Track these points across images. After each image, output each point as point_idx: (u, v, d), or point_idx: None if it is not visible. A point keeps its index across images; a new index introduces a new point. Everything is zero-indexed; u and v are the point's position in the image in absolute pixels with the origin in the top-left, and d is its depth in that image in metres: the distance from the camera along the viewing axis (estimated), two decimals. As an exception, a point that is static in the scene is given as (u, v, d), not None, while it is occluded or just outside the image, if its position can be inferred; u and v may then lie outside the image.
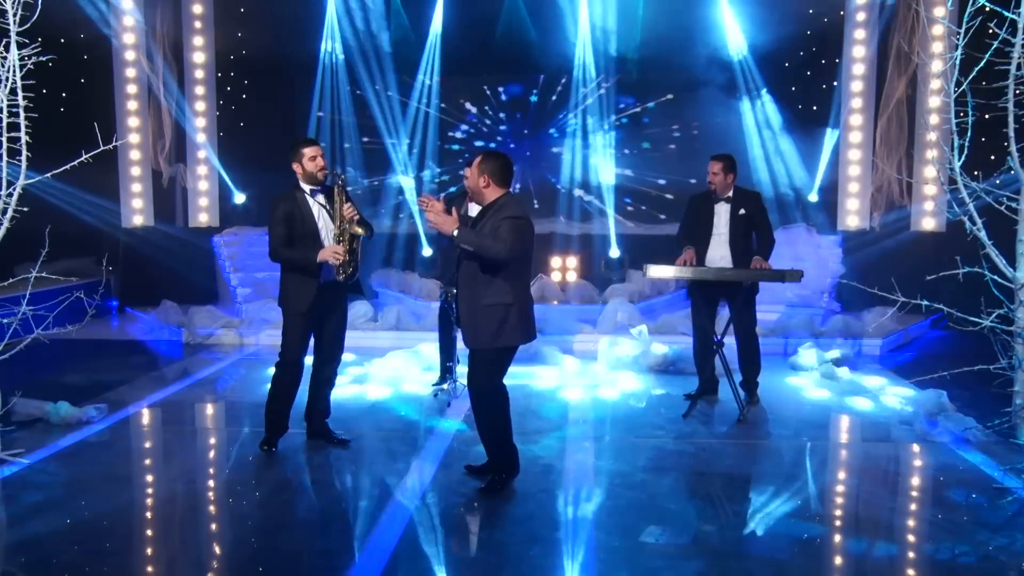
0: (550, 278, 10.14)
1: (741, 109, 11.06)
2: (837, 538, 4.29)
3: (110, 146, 5.24)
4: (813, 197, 10.89)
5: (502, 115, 11.90)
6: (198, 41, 11.11)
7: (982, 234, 4.97)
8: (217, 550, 4.21)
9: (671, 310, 9.43)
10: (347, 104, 11.55)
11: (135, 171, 10.98)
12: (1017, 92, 4.83)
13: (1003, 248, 5.01)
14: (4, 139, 5.06)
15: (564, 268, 10.47)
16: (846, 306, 9.48)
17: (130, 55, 10.77)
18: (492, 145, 11.75)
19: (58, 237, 5.73)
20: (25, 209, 5.19)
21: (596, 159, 11.58)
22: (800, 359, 7.72)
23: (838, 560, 4.12)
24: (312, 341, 5.38)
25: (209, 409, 6.74)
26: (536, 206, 11.45)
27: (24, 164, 5.09)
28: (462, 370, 6.72)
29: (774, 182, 10.89)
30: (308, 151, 5.20)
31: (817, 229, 10.20)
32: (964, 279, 4.90)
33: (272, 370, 5.44)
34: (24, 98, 5.03)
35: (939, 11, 9.59)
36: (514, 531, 4.27)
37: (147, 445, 6.01)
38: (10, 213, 5.13)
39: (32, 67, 5.04)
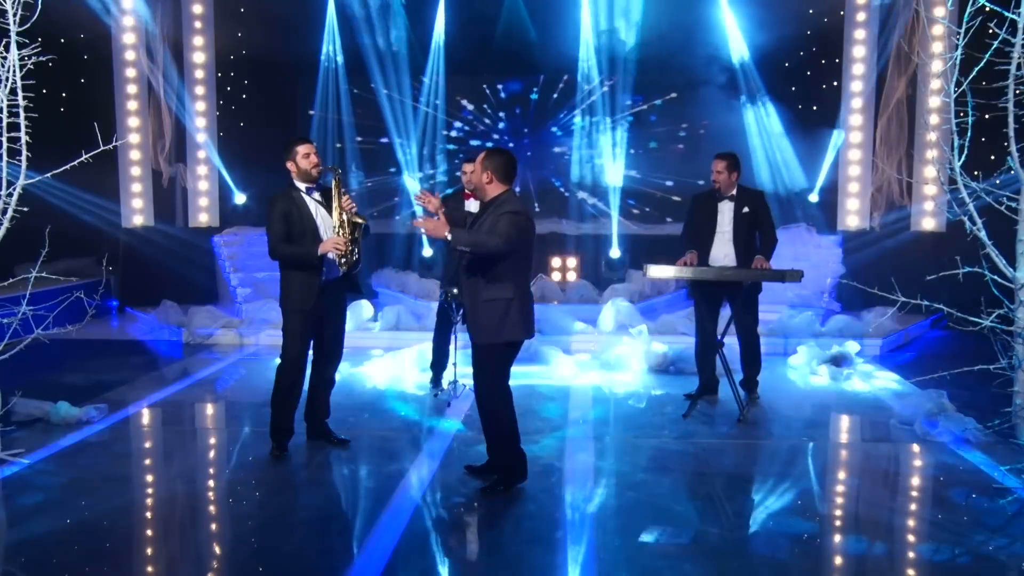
0: (550, 278, 10.14)
1: (741, 109, 11.06)
2: (837, 538, 4.29)
3: (110, 146, 5.24)
4: (814, 197, 10.89)
5: (502, 115, 11.90)
6: (198, 41, 11.10)
7: (982, 234, 4.97)
8: (217, 550, 4.21)
9: (671, 310, 9.43)
10: (347, 104, 11.55)
11: (135, 171, 10.98)
12: (1017, 92, 4.83)
13: (1003, 248, 5.01)
14: (4, 139, 5.06)
15: (564, 268, 10.47)
16: (846, 306, 9.48)
17: (130, 55, 10.77)
18: (489, 144, 11.74)
19: (58, 237, 5.73)
20: (25, 209, 5.19)
21: (597, 159, 11.58)
22: (806, 356, 7.73)
23: (838, 560, 4.12)
24: (312, 342, 5.37)
25: (209, 409, 6.74)
26: (537, 208, 11.45)
27: (24, 164, 5.09)
28: (461, 370, 6.74)
29: (775, 182, 10.89)
30: (302, 149, 5.21)
31: (817, 229, 10.19)
32: (964, 279, 4.90)
33: (273, 371, 5.42)
34: (24, 98, 5.03)
35: (939, 11, 9.59)
36: (514, 531, 4.27)
37: (147, 445, 6.01)
38: (10, 213, 5.13)
39: (32, 67, 5.04)
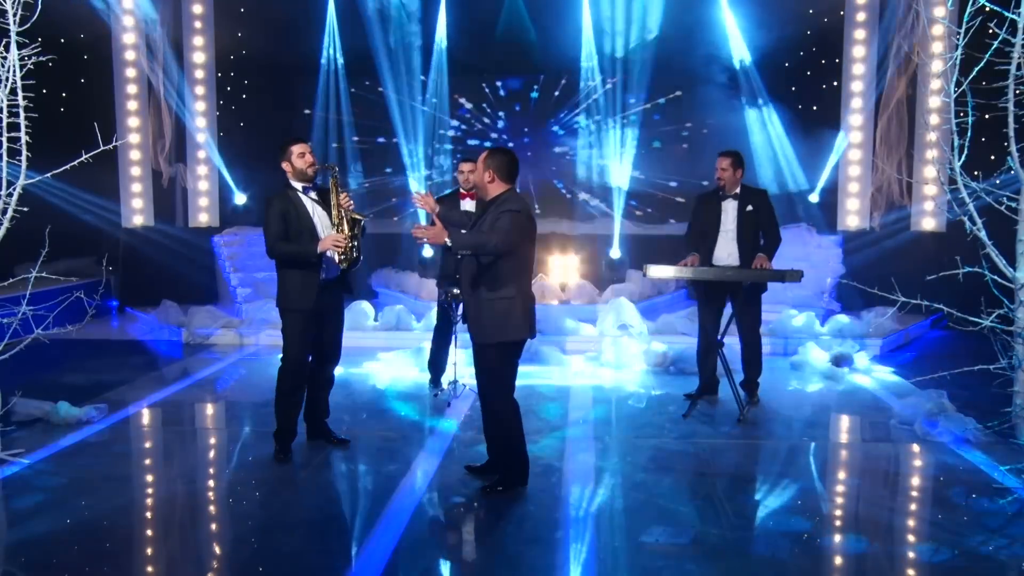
0: (550, 278, 10.14)
1: (742, 110, 11.05)
2: (837, 538, 4.29)
3: (110, 146, 5.24)
4: (814, 198, 10.89)
5: (502, 114, 11.89)
6: (198, 41, 11.11)
7: (982, 234, 4.97)
8: (217, 550, 4.21)
9: (671, 310, 9.44)
10: (346, 104, 11.55)
11: (135, 171, 10.99)
12: (1017, 92, 4.83)
13: (1003, 248, 5.01)
14: (4, 139, 5.06)
15: (564, 268, 10.46)
16: (846, 306, 9.48)
17: (130, 55, 10.77)
18: (488, 144, 11.75)
19: (58, 237, 5.73)
20: (25, 209, 5.19)
21: (598, 159, 11.58)
22: (806, 356, 7.74)
23: (838, 560, 4.12)
24: (311, 342, 5.36)
25: (209, 409, 6.74)
26: (537, 209, 11.45)
27: (24, 164, 5.09)
28: (461, 370, 6.74)
29: (775, 182, 10.89)
30: (296, 148, 5.20)
31: (817, 229, 10.19)
32: (964, 279, 4.90)
33: (274, 371, 5.42)
34: (24, 98, 5.03)
35: (939, 11, 9.60)
36: (514, 531, 4.27)
37: (147, 445, 6.01)
38: (10, 213, 5.13)
39: (32, 67, 5.04)
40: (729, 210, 6.38)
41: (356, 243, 5.25)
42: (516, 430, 4.69)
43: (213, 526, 4.53)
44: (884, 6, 10.45)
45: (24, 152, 5.04)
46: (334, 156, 11.52)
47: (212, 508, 4.70)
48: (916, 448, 5.62)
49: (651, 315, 9.14)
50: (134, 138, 10.82)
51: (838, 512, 4.65)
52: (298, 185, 5.23)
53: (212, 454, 5.68)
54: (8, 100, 5.02)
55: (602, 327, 8.82)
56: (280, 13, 11.23)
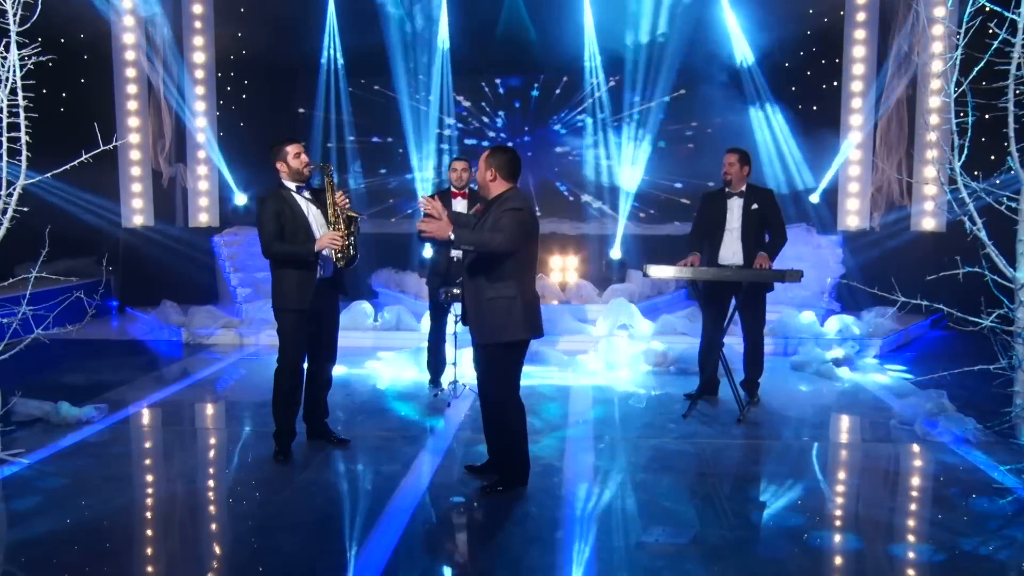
0: (550, 278, 10.14)
1: (742, 110, 11.06)
2: (837, 538, 4.29)
3: (110, 146, 5.24)
4: (815, 198, 10.89)
5: (502, 114, 11.90)
6: (198, 41, 11.10)
7: (982, 234, 4.97)
8: (217, 550, 4.21)
9: (671, 310, 9.44)
10: (346, 103, 11.55)
11: (135, 171, 10.99)
12: (1017, 92, 4.83)
13: (1003, 248, 5.01)
14: (4, 139, 5.06)
15: (564, 268, 10.47)
16: (846, 306, 9.48)
17: (130, 55, 10.77)
18: (485, 143, 11.76)
19: (58, 237, 5.74)
20: (25, 209, 5.19)
21: (599, 159, 11.59)
22: (806, 356, 7.74)
23: (838, 560, 4.12)
24: (308, 343, 5.34)
25: (209, 409, 6.74)
26: (538, 210, 11.43)
27: (24, 164, 5.09)
28: (461, 370, 6.74)
29: (776, 182, 10.89)
30: (291, 149, 5.19)
31: (817, 229, 10.20)
32: (964, 279, 4.90)
33: (273, 371, 5.42)
34: (24, 98, 5.03)
35: (939, 11, 9.60)
36: (514, 531, 4.27)
37: (147, 445, 6.01)
38: (10, 213, 5.13)
39: (32, 67, 5.04)
40: (734, 208, 6.37)
41: (353, 240, 5.23)
42: (519, 431, 4.69)
43: (213, 526, 4.53)
44: (884, 6, 10.45)
45: (24, 152, 5.04)
46: (334, 156, 11.53)
47: (212, 508, 4.70)
48: (916, 448, 5.62)
49: (651, 315, 9.14)
50: (134, 138, 10.82)
51: (838, 512, 4.65)
52: (291, 185, 5.22)
53: (212, 454, 5.68)
54: (8, 100, 5.02)
55: (602, 327, 8.82)
56: (280, 13, 11.24)
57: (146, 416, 6.42)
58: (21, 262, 6.40)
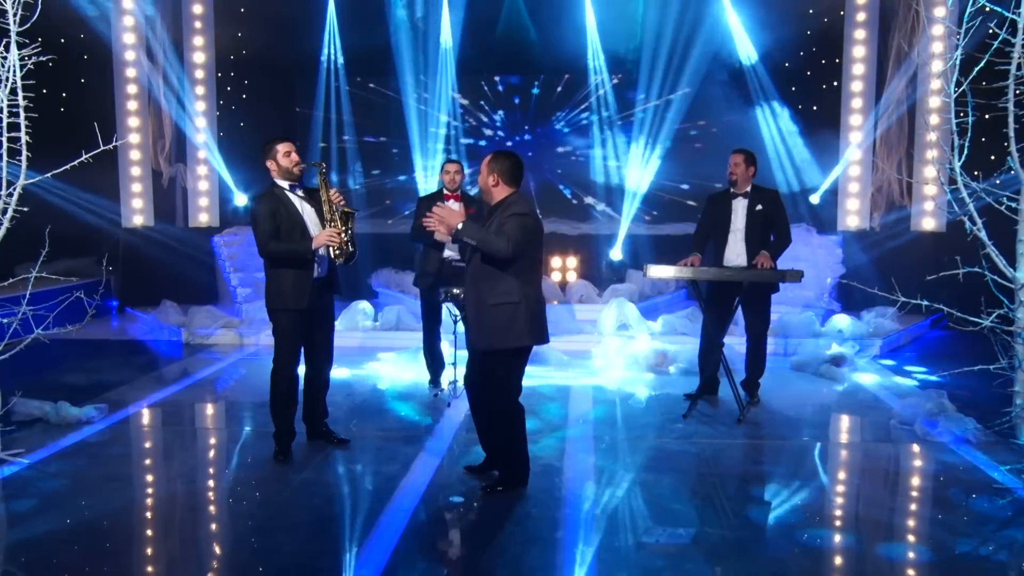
0: (550, 278, 10.15)
1: (742, 110, 11.05)
2: (837, 538, 4.29)
3: (110, 146, 5.24)
4: (815, 199, 10.88)
5: (503, 114, 11.90)
6: (198, 41, 11.10)
7: (982, 234, 4.97)
8: (217, 550, 4.21)
9: (671, 310, 9.44)
10: (346, 103, 11.55)
11: (135, 171, 10.98)
12: (1017, 92, 4.83)
13: (1003, 248, 5.01)
14: (4, 139, 5.06)
15: (564, 268, 10.48)
16: (846, 306, 9.48)
17: (130, 55, 10.77)
18: (484, 143, 11.77)
19: (58, 237, 5.73)
20: (25, 209, 5.19)
21: (599, 159, 11.59)
22: (806, 356, 7.75)
23: (838, 560, 4.12)
24: (303, 344, 5.32)
25: (209, 409, 6.74)
26: (539, 212, 11.43)
27: (24, 164, 5.09)
28: (461, 370, 6.74)
29: (776, 182, 10.88)
30: (282, 147, 5.16)
31: (817, 229, 10.20)
32: (964, 279, 4.90)
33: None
34: (24, 98, 5.03)
35: (939, 11, 9.60)
36: (514, 531, 4.27)
37: (147, 445, 6.01)
38: (10, 213, 5.13)
39: (32, 67, 5.04)
40: (739, 209, 6.36)
41: (351, 236, 5.21)
42: (519, 433, 4.68)
43: (213, 526, 4.53)
44: (884, 6, 10.45)
45: (24, 152, 5.04)
46: (335, 156, 11.53)
47: (212, 508, 4.70)
48: (916, 448, 5.62)
49: (651, 315, 9.14)
50: (134, 138, 10.81)
51: (838, 512, 4.65)
52: (284, 183, 5.19)
53: (212, 454, 5.68)
54: (8, 100, 5.02)
55: (602, 327, 8.82)
56: (280, 13, 11.23)
57: (146, 416, 6.42)
58: (21, 262, 6.40)
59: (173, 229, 11.08)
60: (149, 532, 4.42)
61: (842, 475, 5.36)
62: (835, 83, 10.86)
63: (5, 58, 4.98)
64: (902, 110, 10.36)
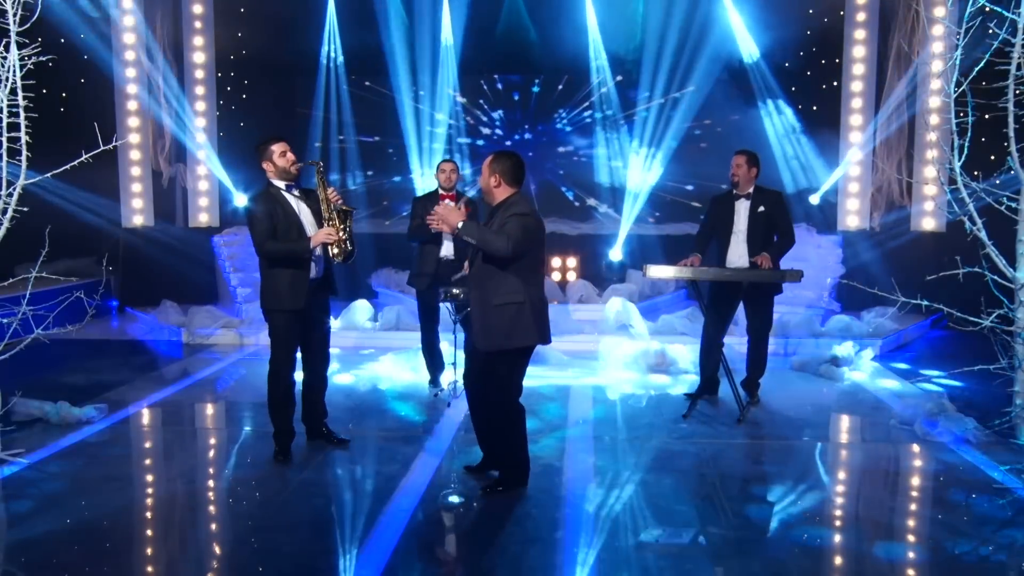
0: (550, 278, 10.14)
1: (743, 110, 11.05)
2: (837, 538, 4.29)
3: (110, 146, 5.24)
4: (815, 199, 10.88)
5: (503, 114, 11.89)
6: (198, 41, 11.10)
7: (982, 234, 4.98)
8: (217, 550, 4.21)
9: (671, 310, 9.44)
10: (346, 103, 11.55)
11: (135, 171, 10.99)
12: (1017, 92, 4.83)
13: (1003, 248, 5.02)
14: (4, 139, 5.06)
15: (564, 268, 10.47)
16: (846, 306, 9.48)
17: (130, 55, 10.77)
18: (481, 143, 11.77)
19: (58, 237, 5.73)
20: (25, 209, 5.19)
21: (600, 159, 11.59)
22: (806, 356, 7.76)
23: (838, 560, 4.12)
24: (299, 345, 5.31)
25: (209, 409, 6.74)
26: (539, 213, 11.41)
27: (24, 164, 5.09)
28: (461, 370, 6.74)
29: (776, 182, 10.88)
30: (277, 147, 5.15)
31: (817, 229, 10.20)
32: (964, 279, 4.90)
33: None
34: (24, 98, 5.03)
35: (939, 11, 9.60)
36: (514, 531, 4.27)
37: (147, 445, 6.01)
38: (10, 213, 5.13)
39: (32, 67, 5.04)
40: (741, 210, 6.36)
41: (349, 235, 5.20)
42: (519, 433, 4.69)
43: (213, 526, 4.53)
44: (884, 6, 10.45)
45: (24, 152, 5.04)
46: (335, 155, 11.53)
47: (212, 508, 4.70)
48: (916, 448, 5.62)
49: (651, 315, 9.14)
50: (134, 138, 10.82)
51: (838, 512, 4.64)
52: (280, 184, 5.18)
53: (212, 454, 5.68)
54: (8, 100, 5.02)
55: (602, 327, 8.82)
56: (280, 13, 11.24)
57: (146, 416, 6.42)
58: (21, 262, 6.40)
59: (173, 229, 11.08)
60: (149, 532, 4.42)
61: (842, 475, 5.36)
62: (835, 83, 10.86)
63: (5, 58, 4.98)
64: (903, 119, 10.34)
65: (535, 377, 7.25)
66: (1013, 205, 5.00)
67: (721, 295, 6.39)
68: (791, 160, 10.98)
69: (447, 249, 6.58)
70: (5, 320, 5.24)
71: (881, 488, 5.09)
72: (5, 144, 5.06)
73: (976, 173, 5.04)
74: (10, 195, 5.12)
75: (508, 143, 11.73)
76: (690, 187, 11.41)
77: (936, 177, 9.43)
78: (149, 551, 4.24)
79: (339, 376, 7.25)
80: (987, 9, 4.85)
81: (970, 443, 5.51)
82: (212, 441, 6.01)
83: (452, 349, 6.70)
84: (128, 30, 10.72)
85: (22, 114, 5.02)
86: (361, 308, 9.11)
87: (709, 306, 6.40)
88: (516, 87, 11.86)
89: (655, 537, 4.17)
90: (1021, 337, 4.99)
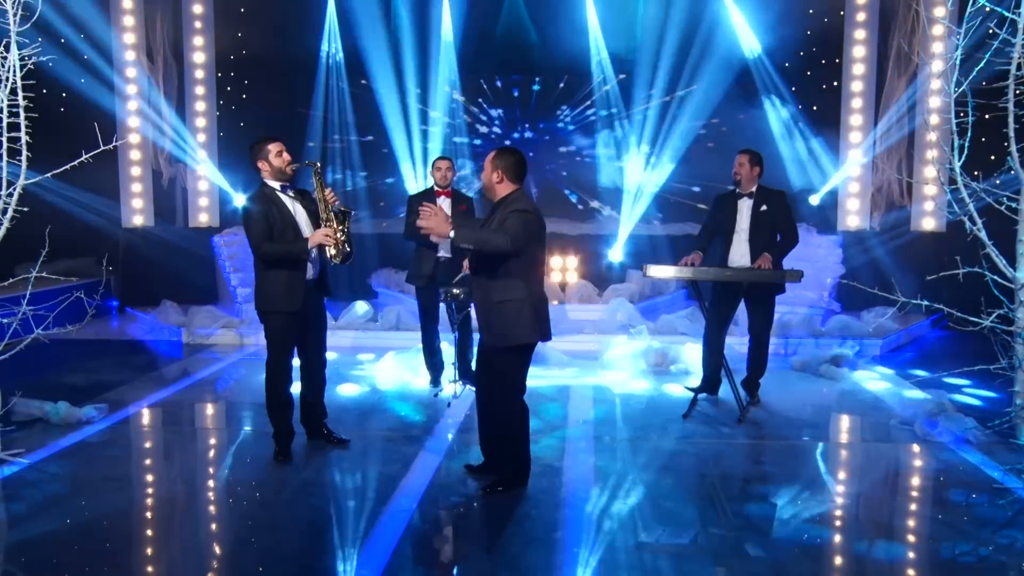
0: (550, 278, 10.14)
1: (743, 110, 11.04)
2: (837, 538, 4.29)
3: (110, 146, 5.24)
4: (814, 200, 10.87)
5: (502, 114, 11.89)
6: (198, 41, 11.10)
7: (982, 234, 4.98)
8: (217, 550, 4.21)
9: (671, 310, 9.44)
10: (346, 103, 11.54)
11: (135, 171, 10.99)
12: (1017, 92, 4.83)
13: (1003, 248, 5.02)
14: (4, 139, 5.06)
15: (564, 268, 10.47)
16: (846, 306, 9.48)
17: (130, 55, 10.77)
18: (481, 143, 11.77)
19: (58, 237, 5.73)
20: (25, 209, 5.19)
21: (600, 159, 11.59)
22: (806, 356, 7.76)
23: (838, 560, 4.12)
24: (296, 347, 5.30)
25: (209, 409, 6.74)
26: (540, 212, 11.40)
27: (24, 164, 5.09)
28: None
29: (776, 182, 10.87)
30: (273, 147, 5.13)
31: (817, 229, 10.20)
32: (964, 279, 4.90)
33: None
34: (24, 98, 5.02)
35: (939, 11, 9.60)
36: (514, 531, 4.27)
37: (147, 445, 6.00)
38: (10, 213, 5.13)
39: (32, 67, 5.04)
40: (744, 209, 6.36)
41: (347, 236, 5.19)
42: (521, 432, 4.69)
43: (213, 526, 4.53)
44: (884, 6, 10.45)
45: (24, 152, 5.04)
46: (336, 155, 11.53)
47: (212, 508, 4.70)
48: (916, 448, 5.62)
49: (651, 315, 9.14)
50: (134, 138, 10.82)
51: (838, 512, 4.64)
52: (276, 184, 5.16)
53: (212, 454, 5.68)
54: (8, 100, 5.02)
55: (602, 327, 8.82)
56: (280, 13, 11.23)
57: (146, 416, 6.42)
58: (21, 262, 6.40)
59: (173, 229, 11.08)
60: (149, 532, 4.42)
61: (842, 475, 5.36)
62: (835, 83, 10.86)
63: (5, 58, 4.98)
64: (904, 119, 10.33)
65: (535, 377, 7.22)
66: (1013, 205, 5.00)
67: (722, 294, 6.39)
68: (791, 160, 10.97)
69: (445, 249, 6.58)
70: (5, 320, 5.24)
71: (881, 488, 5.09)
72: (5, 144, 5.06)
73: (976, 173, 5.04)
74: (10, 195, 5.12)
75: (507, 143, 11.73)
76: (689, 186, 11.40)
77: (936, 177, 9.43)
78: (149, 551, 4.24)
79: (339, 376, 7.24)
80: (987, 9, 4.85)
81: (970, 443, 5.51)
82: (212, 441, 6.01)
83: (452, 349, 6.70)
84: (128, 30, 10.71)
85: (22, 114, 5.02)
86: (361, 308, 9.10)
87: (710, 306, 6.40)
88: (516, 88, 11.85)
89: (655, 537, 4.17)
90: (1021, 337, 4.99)
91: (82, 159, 5.27)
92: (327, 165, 11.52)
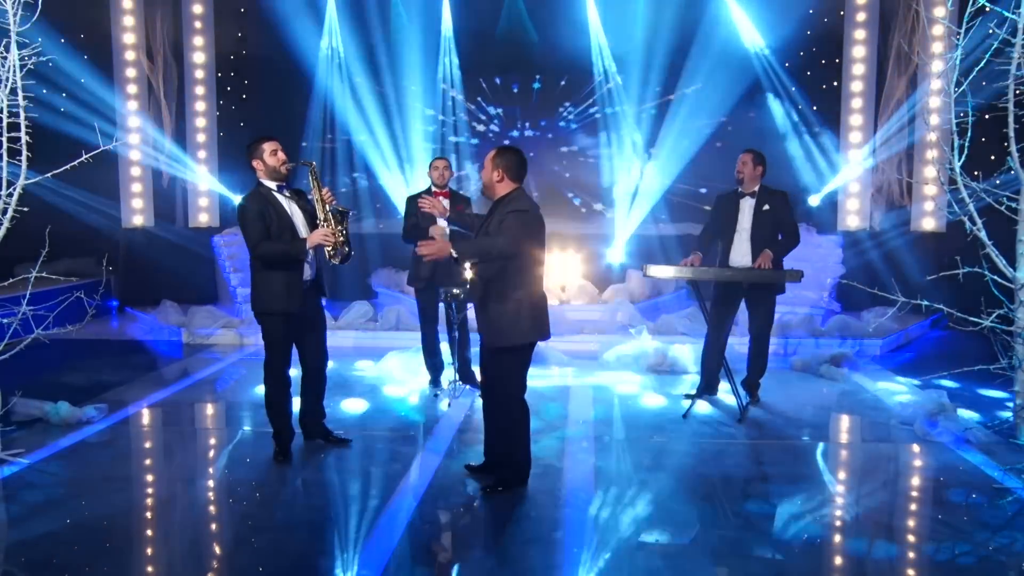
0: (550, 278, 10.13)
1: (744, 110, 11.04)
2: (837, 538, 4.29)
3: (110, 146, 5.23)
4: (814, 200, 10.87)
5: (502, 114, 11.88)
6: (198, 41, 11.10)
7: (982, 234, 4.98)
8: (217, 550, 4.21)
9: (671, 310, 9.44)
10: (346, 103, 11.54)
11: (135, 171, 10.98)
12: (1017, 92, 4.83)
13: (1003, 248, 5.02)
14: (4, 139, 5.06)
15: (564, 268, 10.45)
16: (846, 306, 9.48)
17: (130, 55, 10.77)
18: (474, 141, 11.76)
19: (58, 237, 5.73)
20: (25, 209, 5.19)
21: (600, 159, 11.59)
22: (806, 356, 7.76)
23: (838, 560, 4.12)
24: (297, 347, 5.31)
25: (209, 409, 6.74)
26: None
27: (24, 164, 5.09)
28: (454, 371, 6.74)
29: (776, 182, 10.86)
30: (268, 146, 5.11)
31: (817, 229, 10.19)
32: (964, 279, 4.90)
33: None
34: (24, 98, 5.02)
35: (939, 11, 9.60)
36: (514, 531, 4.27)
37: (147, 445, 6.00)
38: (10, 213, 5.13)
39: (32, 67, 5.04)
40: (745, 209, 6.35)
41: (345, 236, 5.18)
42: (522, 431, 4.69)
43: (213, 526, 4.53)
44: (884, 6, 10.45)
45: (24, 152, 5.04)
46: (338, 155, 11.53)
47: (212, 508, 4.70)
48: (916, 448, 5.62)
49: (651, 315, 9.14)
50: (134, 138, 10.81)
51: (838, 512, 4.64)
52: (271, 184, 5.14)
53: (212, 454, 5.68)
54: (8, 100, 5.02)
55: (602, 327, 8.82)
56: (280, 13, 11.23)
57: (146, 416, 6.42)
58: (21, 262, 6.40)
59: (173, 229, 11.08)
60: (149, 532, 4.42)
61: (842, 475, 5.36)
62: (835, 83, 10.86)
63: (5, 58, 4.98)
64: (903, 119, 10.33)
65: (535, 377, 7.21)
66: (1013, 205, 5.00)
67: (723, 294, 6.39)
68: (792, 160, 10.97)
69: None
70: (5, 320, 5.24)
71: (881, 488, 5.09)
72: (5, 144, 5.06)
73: (976, 173, 5.04)
74: (10, 195, 5.12)
75: (506, 142, 11.72)
76: (689, 187, 11.39)
77: (936, 177, 9.43)
78: (149, 551, 4.24)
79: (340, 376, 7.24)
80: (987, 9, 4.85)
81: (970, 443, 5.51)
82: (212, 441, 6.01)
83: (452, 349, 6.70)
84: (128, 30, 10.71)
85: (22, 114, 5.02)
86: (361, 308, 9.10)
87: (711, 305, 6.40)
88: (516, 88, 11.84)
89: (655, 537, 4.16)
90: (1021, 337, 4.99)
91: (82, 159, 5.27)
92: (328, 165, 11.53)
